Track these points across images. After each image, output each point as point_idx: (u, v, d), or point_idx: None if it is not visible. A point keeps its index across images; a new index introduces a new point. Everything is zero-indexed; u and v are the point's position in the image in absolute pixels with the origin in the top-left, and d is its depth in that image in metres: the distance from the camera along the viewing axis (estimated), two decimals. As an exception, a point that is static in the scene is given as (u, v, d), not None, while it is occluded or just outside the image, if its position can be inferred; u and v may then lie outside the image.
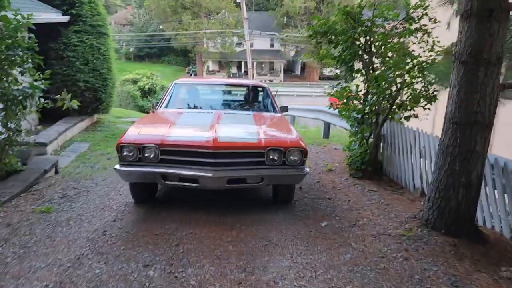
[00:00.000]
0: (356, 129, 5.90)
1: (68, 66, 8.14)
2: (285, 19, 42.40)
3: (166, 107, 5.52)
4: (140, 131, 4.30)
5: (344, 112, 6.02)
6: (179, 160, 3.96)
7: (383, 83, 5.23)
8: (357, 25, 5.51)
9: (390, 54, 5.56)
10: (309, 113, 11.95)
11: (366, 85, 5.77)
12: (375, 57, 5.70)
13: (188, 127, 4.66)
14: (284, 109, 6.15)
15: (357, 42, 5.66)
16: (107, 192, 4.91)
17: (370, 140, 5.91)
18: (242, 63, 42.66)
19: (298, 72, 48.29)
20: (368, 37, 5.61)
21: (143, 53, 47.29)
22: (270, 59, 44.88)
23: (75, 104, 5.14)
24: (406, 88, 5.39)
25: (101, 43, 8.65)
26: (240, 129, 4.60)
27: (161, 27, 45.07)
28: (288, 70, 49.07)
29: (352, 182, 5.49)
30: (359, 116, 5.85)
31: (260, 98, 6.22)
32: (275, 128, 4.83)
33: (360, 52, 5.67)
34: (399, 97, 5.55)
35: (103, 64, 8.68)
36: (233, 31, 39.59)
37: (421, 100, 5.29)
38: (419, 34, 5.59)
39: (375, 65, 5.69)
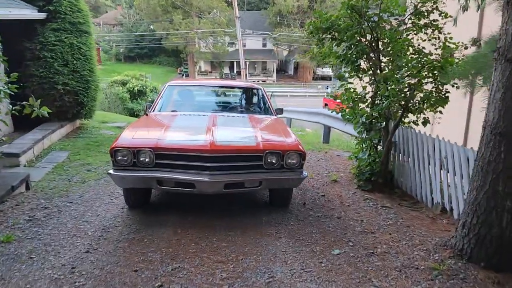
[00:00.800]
0: (365, 136, 5.29)
1: (46, 67, 7.39)
2: (277, 18, 41.89)
3: (160, 109, 5.35)
4: (135, 134, 4.13)
5: (348, 117, 5.45)
6: (175, 164, 3.82)
7: (395, 84, 4.65)
8: (363, 21, 4.95)
9: (399, 52, 4.98)
10: (307, 116, 11.24)
11: (373, 86, 5.20)
12: (383, 56, 5.16)
13: (183, 130, 4.46)
14: (280, 111, 5.82)
15: (363, 39, 5.10)
16: (82, 213, 4.26)
17: (379, 147, 5.33)
18: (235, 63, 42.07)
19: (291, 72, 47.80)
20: (375, 34, 5.05)
21: (133, 54, 46.49)
22: (262, 59, 44.36)
23: (45, 110, 4.45)
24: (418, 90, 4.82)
25: (82, 42, 7.92)
26: (237, 132, 4.48)
27: (151, 27, 44.33)
28: (281, 70, 48.63)
29: (361, 196, 4.88)
30: (366, 121, 5.25)
31: (255, 100, 6.04)
32: (272, 130, 4.67)
33: (367, 50, 5.10)
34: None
35: (85, 65, 7.95)
36: (225, 30, 39.00)
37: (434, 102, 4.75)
38: (429, 30, 5.09)
39: (382, 65, 5.12)
